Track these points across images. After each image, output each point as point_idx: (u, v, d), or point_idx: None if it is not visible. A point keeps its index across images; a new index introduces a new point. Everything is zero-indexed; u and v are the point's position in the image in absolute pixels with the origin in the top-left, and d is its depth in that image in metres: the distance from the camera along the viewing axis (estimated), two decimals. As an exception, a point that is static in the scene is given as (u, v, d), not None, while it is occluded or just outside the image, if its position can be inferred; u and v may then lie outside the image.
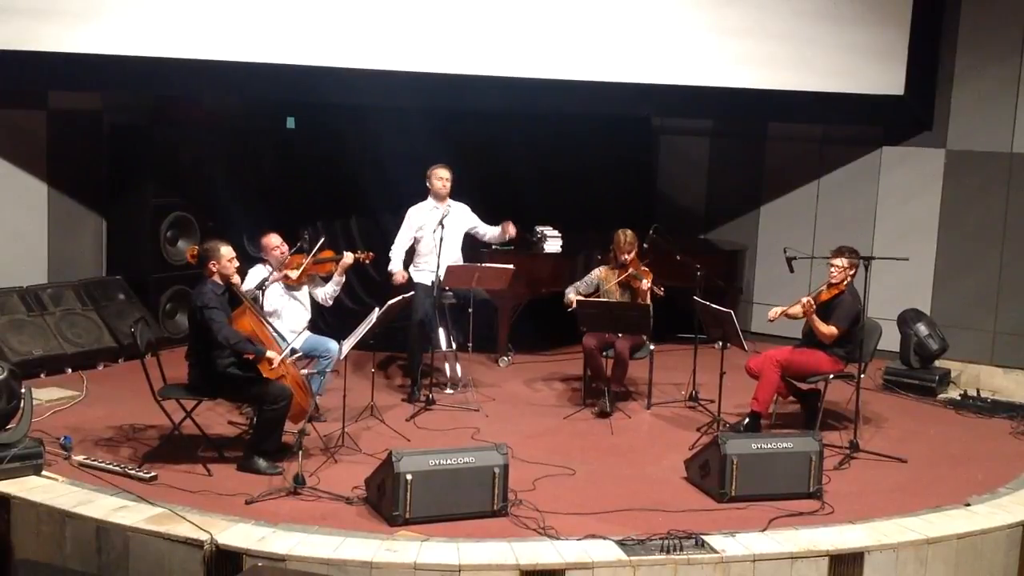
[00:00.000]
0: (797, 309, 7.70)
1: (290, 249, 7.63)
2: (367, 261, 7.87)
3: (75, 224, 9.31)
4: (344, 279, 7.79)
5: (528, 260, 9.44)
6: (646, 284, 8.11)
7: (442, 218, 8.19)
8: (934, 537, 6.00)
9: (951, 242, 9.88)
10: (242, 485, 6.31)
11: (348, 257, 7.69)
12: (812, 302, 7.58)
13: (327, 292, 7.77)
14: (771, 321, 7.84)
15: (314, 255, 7.66)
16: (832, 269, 7.68)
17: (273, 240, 7.57)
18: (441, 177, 8.36)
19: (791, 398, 7.92)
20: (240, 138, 10.05)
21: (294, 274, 7.53)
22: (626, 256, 8.23)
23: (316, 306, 7.87)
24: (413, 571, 5.38)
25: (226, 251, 6.69)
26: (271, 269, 7.52)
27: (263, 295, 7.44)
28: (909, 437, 7.86)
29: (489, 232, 8.61)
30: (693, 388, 8.40)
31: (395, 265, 8.38)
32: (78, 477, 6.32)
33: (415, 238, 8.45)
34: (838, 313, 7.58)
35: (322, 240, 7.89)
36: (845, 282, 7.64)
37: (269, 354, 6.57)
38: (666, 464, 7.05)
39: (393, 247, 8.47)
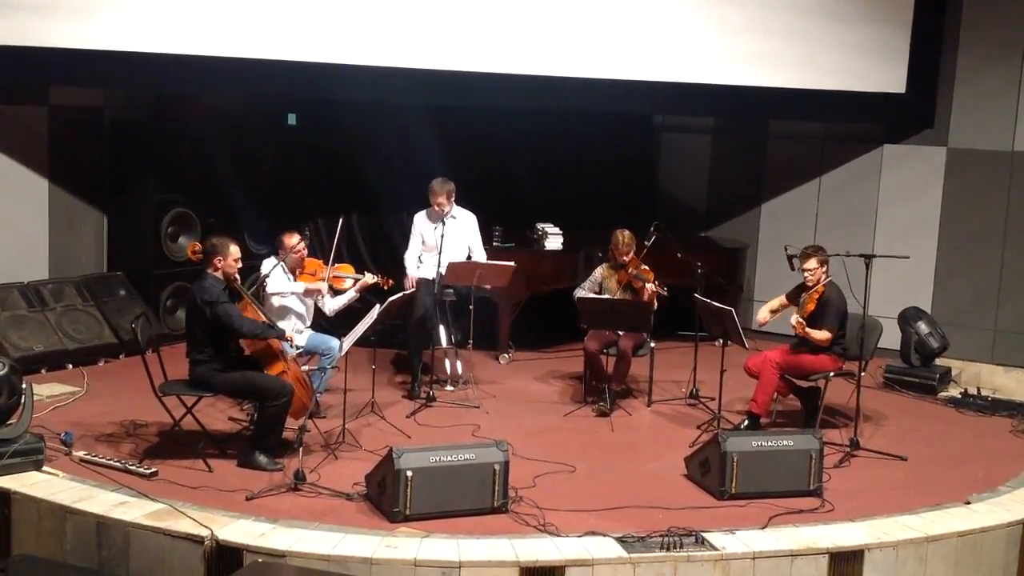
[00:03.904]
0: (777, 303, 7.72)
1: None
2: (385, 287, 7.82)
3: (76, 220, 9.31)
4: (358, 296, 7.79)
5: (529, 257, 9.44)
6: (651, 287, 8.08)
7: (444, 216, 8.20)
8: (934, 535, 6.01)
9: (952, 240, 9.87)
10: (243, 481, 6.32)
11: (368, 279, 7.69)
12: (802, 321, 7.57)
13: (336, 304, 7.75)
14: (762, 325, 7.89)
15: (332, 265, 7.66)
16: (805, 273, 7.67)
17: (294, 241, 7.55)
18: (437, 203, 8.30)
19: (791, 396, 7.92)
20: (241, 134, 10.04)
21: (324, 287, 7.55)
22: (624, 258, 8.22)
23: (317, 309, 7.85)
24: (413, 568, 5.38)
25: (234, 250, 6.71)
26: (284, 267, 7.50)
27: (263, 290, 7.45)
28: (909, 435, 7.86)
29: (474, 256, 8.54)
30: (694, 386, 8.40)
31: (411, 271, 8.48)
32: (79, 473, 6.32)
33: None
34: (827, 315, 7.57)
35: (336, 239, 7.90)
36: (821, 282, 7.63)
37: (289, 333, 6.74)
38: (666, 461, 7.05)
39: (406, 256, 8.56)
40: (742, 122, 11.00)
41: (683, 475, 6.80)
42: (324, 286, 7.59)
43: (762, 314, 7.91)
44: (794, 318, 7.62)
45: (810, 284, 7.65)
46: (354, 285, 7.71)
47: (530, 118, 10.09)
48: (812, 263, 7.63)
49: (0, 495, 5.98)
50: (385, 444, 6.49)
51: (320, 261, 7.72)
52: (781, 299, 7.89)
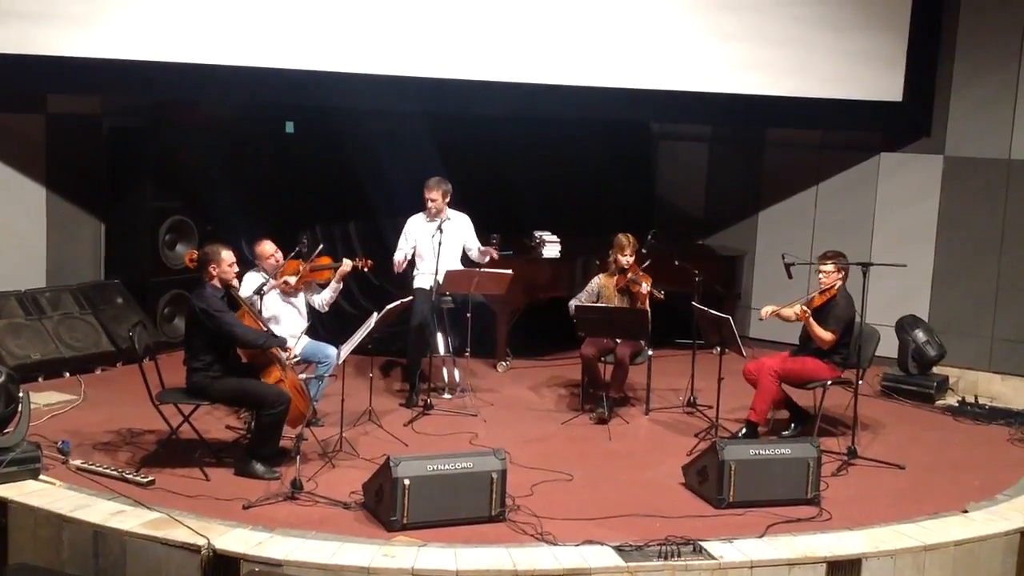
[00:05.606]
0: (790, 312, 7.67)
1: (285, 255, 7.61)
2: (366, 269, 7.84)
3: (74, 228, 9.31)
4: (342, 286, 7.79)
5: (526, 265, 9.43)
6: (646, 288, 8.10)
7: (440, 223, 8.20)
8: (932, 544, 6.00)
9: (949, 248, 9.88)
10: (240, 490, 6.31)
11: (347, 264, 7.68)
12: (807, 309, 7.56)
13: (324, 299, 7.74)
14: (762, 320, 7.83)
15: (311, 261, 7.65)
16: (820, 275, 7.67)
17: (267, 248, 7.54)
18: (430, 199, 8.29)
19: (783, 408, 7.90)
20: (239, 142, 10.05)
21: (293, 279, 7.52)
22: (627, 259, 8.21)
23: (314, 312, 7.86)
24: (410, 576, 5.38)
25: (227, 255, 6.70)
26: (265, 276, 7.50)
27: (261, 301, 7.44)
28: (907, 443, 7.86)
29: (473, 253, 8.56)
30: (691, 393, 8.40)
31: (399, 257, 8.41)
32: (75, 481, 6.32)
33: (414, 249, 8.46)
34: (832, 317, 7.57)
35: (320, 247, 7.89)
36: (836, 286, 7.63)
37: (289, 343, 6.76)
38: (664, 470, 7.05)
39: (396, 255, 8.50)
40: (739, 130, 11.02)
41: (681, 483, 6.80)
42: (278, 280, 7.49)
43: (766, 310, 7.74)
44: (798, 306, 7.56)
45: (824, 286, 7.63)
46: (335, 274, 7.69)
47: (527, 126, 10.10)
48: (829, 266, 7.61)
49: (-3, 504, 5.98)
50: (382, 452, 6.48)
51: (299, 261, 7.68)
52: (795, 309, 7.65)
